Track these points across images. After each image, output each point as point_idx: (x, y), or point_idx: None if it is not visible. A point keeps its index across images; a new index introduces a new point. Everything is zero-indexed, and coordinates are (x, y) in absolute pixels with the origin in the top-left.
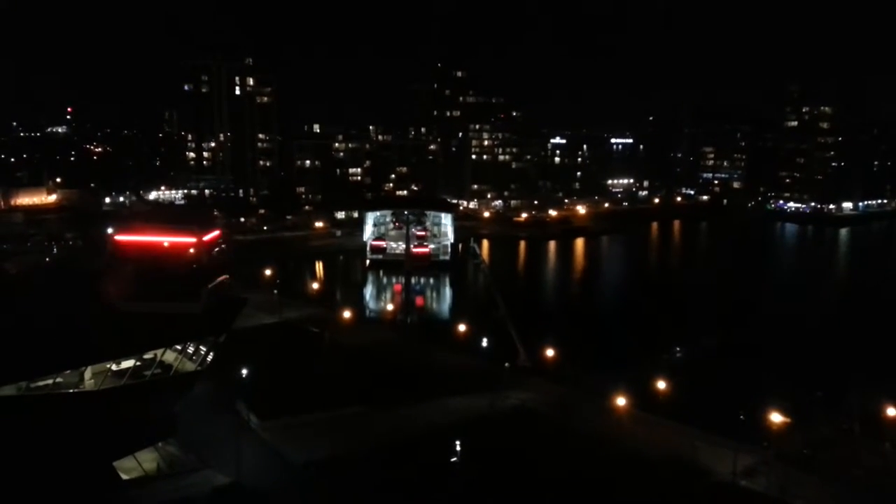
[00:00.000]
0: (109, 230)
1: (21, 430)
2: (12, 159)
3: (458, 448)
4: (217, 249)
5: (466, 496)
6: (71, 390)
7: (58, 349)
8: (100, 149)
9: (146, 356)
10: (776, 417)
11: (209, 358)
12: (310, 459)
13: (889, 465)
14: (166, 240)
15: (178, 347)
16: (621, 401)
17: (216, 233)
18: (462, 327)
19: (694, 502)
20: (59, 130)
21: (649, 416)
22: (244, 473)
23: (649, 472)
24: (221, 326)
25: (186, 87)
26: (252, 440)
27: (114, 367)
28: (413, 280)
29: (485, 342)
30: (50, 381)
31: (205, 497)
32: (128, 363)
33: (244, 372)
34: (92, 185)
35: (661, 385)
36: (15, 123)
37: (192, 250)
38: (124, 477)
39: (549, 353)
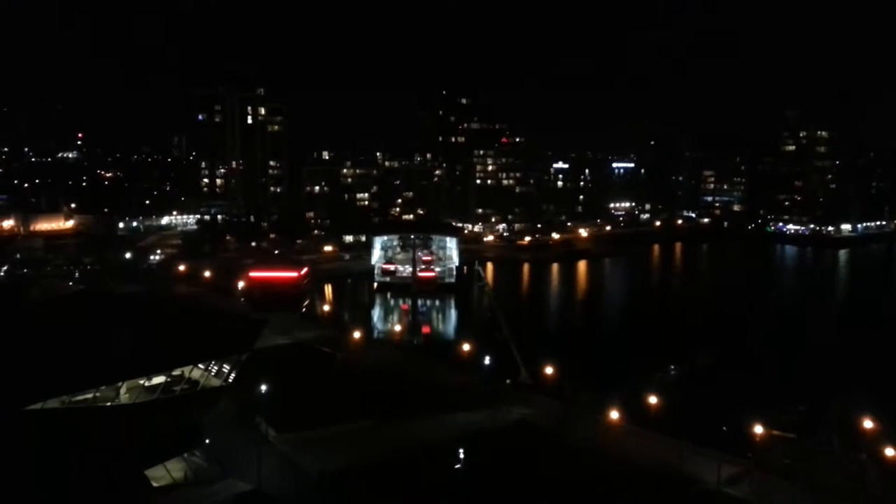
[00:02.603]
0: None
1: (62, 440)
2: (25, 184)
3: (461, 459)
4: (307, 279)
5: (468, 501)
6: (108, 404)
7: (96, 367)
8: (110, 174)
9: (175, 373)
10: (759, 430)
11: (232, 375)
12: (324, 469)
13: (865, 475)
14: (280, 274)
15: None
16: (615, 415)
17: (307, 269)
18: (466, 347)
19: None
20: (70, 156)
21: (641, 429)
22: (264, 482)
23: (640, 480)
24: (244, 346)
25: (200, 117)
26: (271, 452)
27: (146, 383)
28: (419, 302)
29: (488, 360)
30: (89, 396)
31: (229, 503)
32: (159, 379)
33: (262, 389)
34: (105, 210)
35: (653, 400)
36: (27, 149)
37: (294, 280)
38: (154, 484)
39: (550, 371)
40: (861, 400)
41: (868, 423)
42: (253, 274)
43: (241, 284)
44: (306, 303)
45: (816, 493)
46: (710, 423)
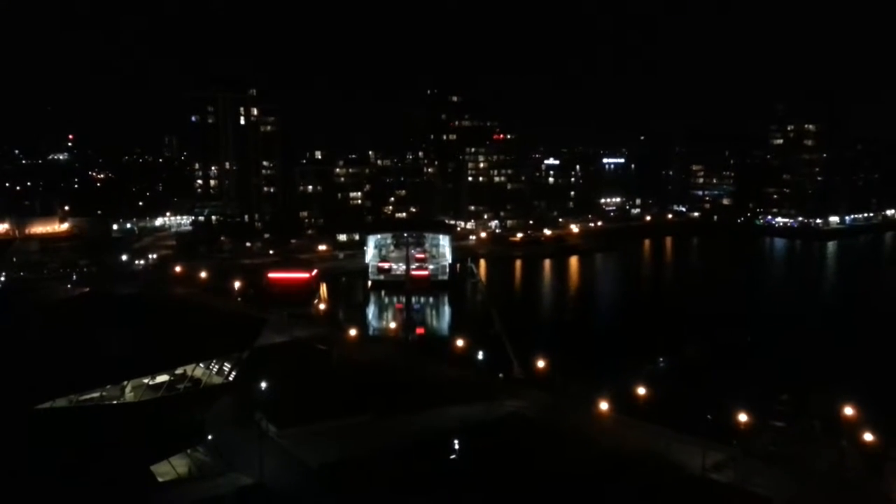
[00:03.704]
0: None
1: (70, 438)
2: (17, 187)
3: (456, 450)
4: (317, 279)
5: (464, 491)
6: (114, 402)
7: (101, 366)
8: (102, 175)
9: (178, 371)
10: (743, 418)
11: (233, 373)
12: (324, 462)
13: (845, 460)
14: (293, 275)
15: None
16: (605, 406)
17: (316, 271)
18: (460, 342)
19: (667, 493)
20: (61, 157)
21: (630, 419)
22: (266, 476)
23: (628, 467)
24: (244, 344)
25: (193, 118)
26: (271, 446)
27: (150, 382)
28: (413, 299)
29: (481, 355)
30: (96, 394)
31: (232, 497)
32: (162, 377)
33: (262, 385)
34: (98, 212)
35: (642, 391)
36: (17, 151)
37: (306, 280)
38: (160, 479)
39: (541, 364)
40: (842, 388)
41: (848, 411)
42: (272, 275)
43: (237, 284)
44: (316, 300)
45: (798, 477)
46: (697, 412)
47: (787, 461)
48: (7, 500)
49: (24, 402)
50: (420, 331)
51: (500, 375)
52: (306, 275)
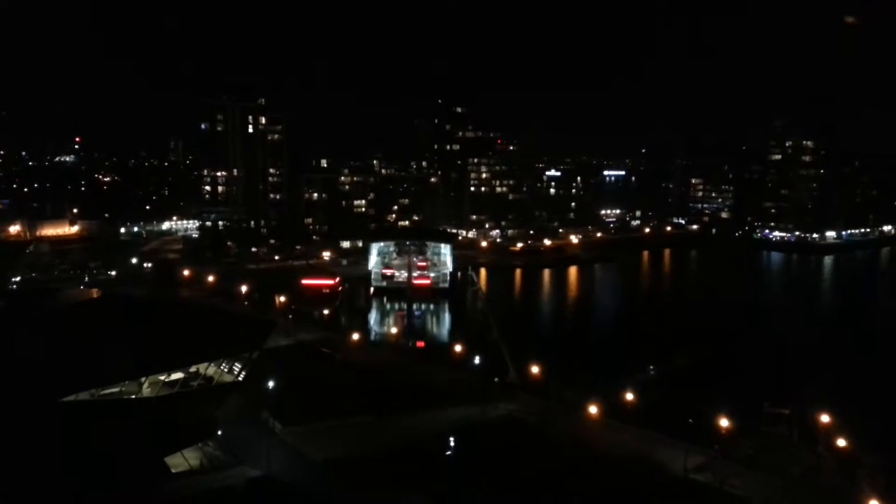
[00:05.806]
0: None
1: (92, 429)
2: (25, 189)
3: (452, 449)
4: (339, 285)
5: (458, 489)
6: (132, 397)
7: (120, 363)
8: (108, 178)
9: (192, 369)
10: (724, 423)
11: (243, 373)
12: (327, 458)
13: (820, 465)
14: (321, 282)
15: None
16: (594, 410)
17: (339, 278)
18: (458, 348)
19: (649, 492)
20: (67, 160)
21: (618, 423)
22: (272, 470)
23: (613, 468)
24: (254, 345)
25: (203, 125)
26: (277, 442)
27: (165, 379)
28: (414, 305)
29: (478, 360)
30: (116, 389)
31: (241, 487)
32: (177, 375)
33: (270, 385)
34: (106, 215)
35: (631, 397)
36: (24, 153)
37: (332, 286)
38: (173, 470)
39: (536, 370)
40: (820, 396)
41: (825, 418)
42: (304, 281)
43: (244, 289)
44: (338, 302)
45: (775, 480)
46: (682, 417)
47: (765, 465)
48: (28, 487)
49: (50, 395)
50: (420, 344)
51: (496, 380)
52: (332, 281)
